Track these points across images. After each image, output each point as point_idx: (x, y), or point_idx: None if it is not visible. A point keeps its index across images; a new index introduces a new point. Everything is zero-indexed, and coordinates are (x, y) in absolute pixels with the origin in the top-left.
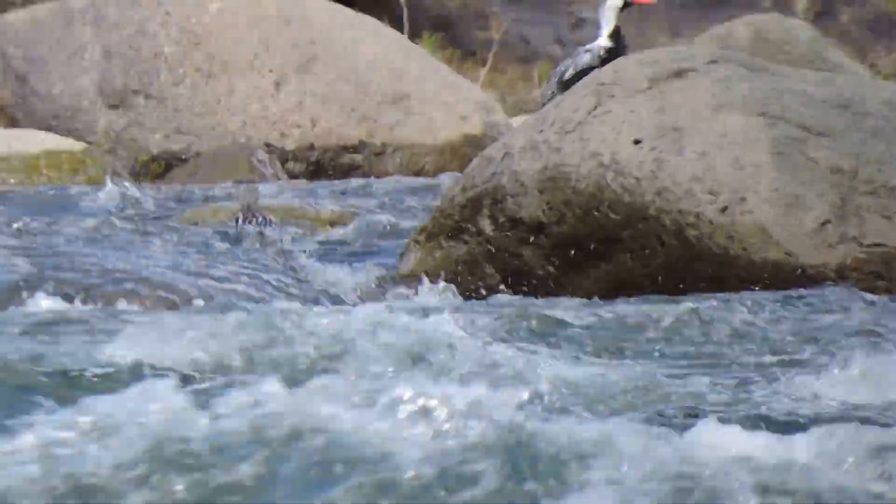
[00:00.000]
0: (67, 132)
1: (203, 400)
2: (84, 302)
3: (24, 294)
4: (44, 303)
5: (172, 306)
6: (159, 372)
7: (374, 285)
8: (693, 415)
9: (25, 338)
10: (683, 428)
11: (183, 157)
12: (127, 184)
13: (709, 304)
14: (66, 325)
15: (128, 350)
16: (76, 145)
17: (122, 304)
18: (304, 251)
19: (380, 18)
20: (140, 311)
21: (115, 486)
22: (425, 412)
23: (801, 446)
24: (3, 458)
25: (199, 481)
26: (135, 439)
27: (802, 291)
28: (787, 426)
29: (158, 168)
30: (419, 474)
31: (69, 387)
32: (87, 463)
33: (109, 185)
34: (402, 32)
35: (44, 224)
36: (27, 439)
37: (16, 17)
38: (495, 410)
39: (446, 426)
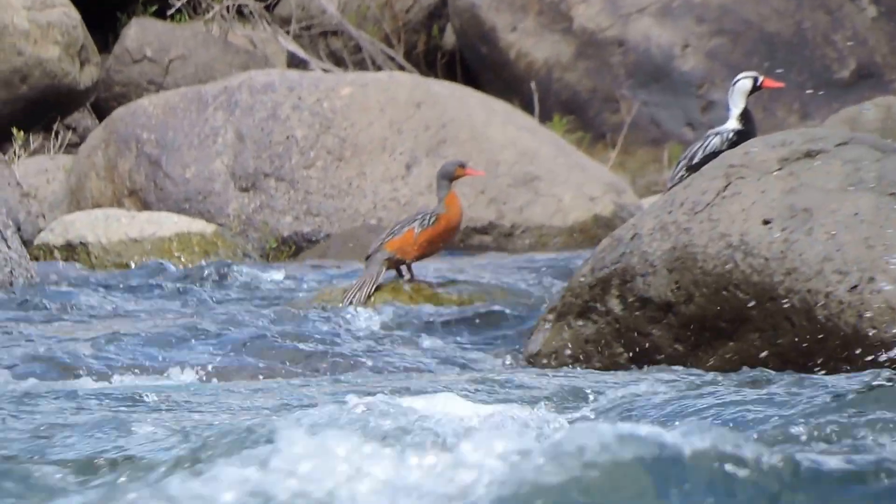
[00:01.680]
0: (199, 215)
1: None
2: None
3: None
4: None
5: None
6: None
7: (503, 365)
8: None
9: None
10: None
11: (313, 238)
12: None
13: (838, 381)
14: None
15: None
16: (207, 228)
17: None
18: (426, 333)
19: (510, 101)
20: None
21: None
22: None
23: None
24: None
25: None
26: None
27: None
28: None
29: (289, 250)
30: None
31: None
32: None
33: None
34: (533, 115)
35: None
36: None
37: (149, 101)
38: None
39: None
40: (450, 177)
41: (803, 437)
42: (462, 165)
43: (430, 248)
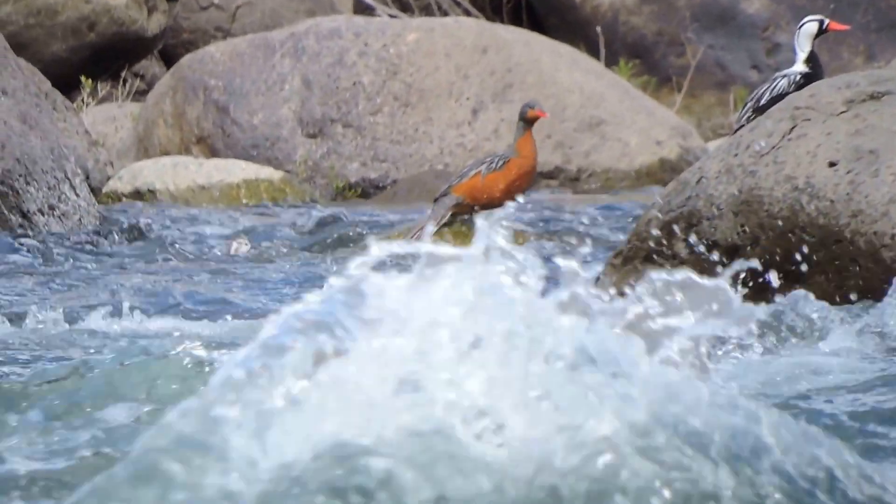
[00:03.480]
0: (267, 161)
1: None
2: None
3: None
4: None
5: None
6: None
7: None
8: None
9: None
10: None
11: (380, 184)
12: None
13: None
14: None
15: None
16: (275, 174)
17: None
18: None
19: (576, 46)
20: None
21: None
22: None
23: None
24: None
25: None
26: None
27: None
28: None
29: (355, 194)
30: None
31: None
32: None
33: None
34: (599, 60)
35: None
36: None
37: (216, 48)
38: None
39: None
40: (523, 118)
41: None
42: (531, 106)
43: (501, 194)
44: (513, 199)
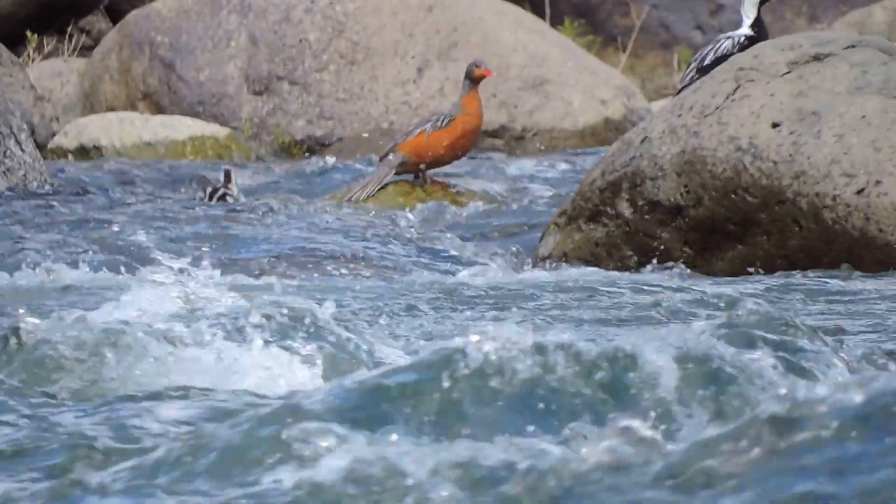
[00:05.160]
0: (213, 118)
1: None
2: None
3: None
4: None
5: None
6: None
7: (513, 266)
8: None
9: None
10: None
11: (326, 142)
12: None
13: (843, 283)
14: None
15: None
16: (221, 131)
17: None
18: (434, 234)
19: (521, 5)
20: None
21: None
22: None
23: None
24: None
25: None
26: None
27: None
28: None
29: (300, 151)
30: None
31: None
32: None
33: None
34: (544, 19)
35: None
36: None
37: (163, 4)
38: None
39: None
40: (470, 76)
41: (806, 336)
42: (478, 65)
43: (446, 152)
44: (458, 157)
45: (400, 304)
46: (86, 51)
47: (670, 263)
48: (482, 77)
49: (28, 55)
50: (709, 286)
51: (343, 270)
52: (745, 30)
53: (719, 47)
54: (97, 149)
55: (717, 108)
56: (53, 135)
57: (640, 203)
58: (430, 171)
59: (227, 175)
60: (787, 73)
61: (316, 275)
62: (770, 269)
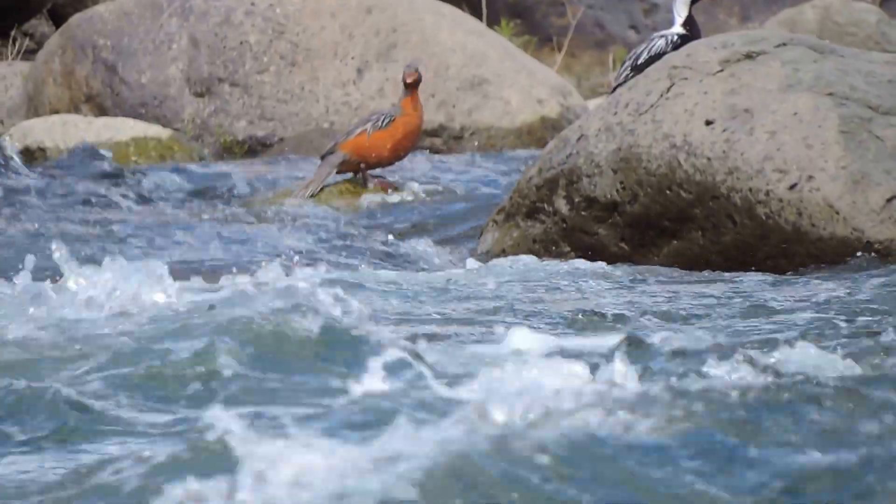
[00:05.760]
0: (155, 120)
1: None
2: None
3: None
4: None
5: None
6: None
7: (453, 263)
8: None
9: None
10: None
11: (267, 142)
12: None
13: (775, 279)
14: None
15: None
16: (163, 132)
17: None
18: (376, 232)
19: (458, 6)
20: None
21: None
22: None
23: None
24: None
25: None
26: None
27: (868, 267)
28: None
29: (241, 151)
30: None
31: None
32: None
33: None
34: (481, 20)
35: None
36: None
37: (105, 8)
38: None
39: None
40: (403, 81)
41: (741, 331)
42: (407, 70)
43: (387, 152)
44: (399, 157)
45: (337, 302)
46: (29, 54)
47: (607, 259)
48: (412, 82)
49: None
50: (640, 282)
51: (280, 270)
52: (678, 28)
53: (653, 46)
54: (42, 150)
55: (652, 105)
56: None
57: (577, 200)
58: (370, 171)
59: None
60: (720, 71)
61: (248, 276)
62: (706, 265)
